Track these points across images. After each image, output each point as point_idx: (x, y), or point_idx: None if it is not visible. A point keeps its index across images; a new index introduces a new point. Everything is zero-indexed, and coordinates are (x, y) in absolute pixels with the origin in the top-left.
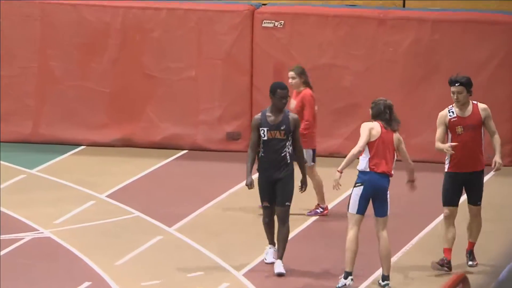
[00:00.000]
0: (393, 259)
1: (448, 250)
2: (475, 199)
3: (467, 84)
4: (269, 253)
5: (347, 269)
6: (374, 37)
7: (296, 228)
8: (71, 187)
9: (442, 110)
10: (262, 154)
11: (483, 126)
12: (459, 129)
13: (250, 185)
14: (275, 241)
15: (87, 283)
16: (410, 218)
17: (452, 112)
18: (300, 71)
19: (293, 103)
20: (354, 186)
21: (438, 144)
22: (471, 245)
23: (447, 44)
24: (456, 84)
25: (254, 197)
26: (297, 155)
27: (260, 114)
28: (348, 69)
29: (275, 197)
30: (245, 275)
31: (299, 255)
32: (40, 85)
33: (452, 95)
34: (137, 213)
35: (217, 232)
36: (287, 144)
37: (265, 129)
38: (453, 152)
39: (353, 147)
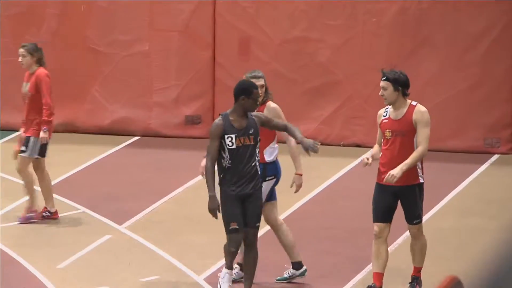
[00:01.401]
0: None
1: (378, 275)
2: (410, 217)
3: (394, 81)
4: (225, 279)
5: (299, 259)
6: (354, 5)
7: (261, 229)
8: (4, 179)
9: (433, 89)
10: (229, 165)
11: (417, 132)
12: (387, 133)
13: (216, 210)
14: (236, 265)
15: None
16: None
17: (386, 112)
18: (31, 48)
19: (25, 86)
20: (265, 180)
21: (373, 149)
22: (416, 270)
23: (438, 14)
24: (382, 78)
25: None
26: (290, 130)
27: (220, 118)
28: (324, 43)
29: (244, 217)
30: (206, 279)
31: (266, 258)
32: None
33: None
34: (82, 209)
35: (173, 230)
36: (256, 150)
37: (233, 136)
38: (367, 164)
39: (330, 132)
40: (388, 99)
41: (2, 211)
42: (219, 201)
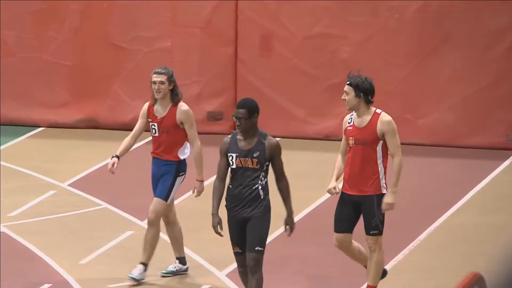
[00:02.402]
0: (399, 257)
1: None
2: (366, 227)
3: (356, 87)
4: None
5: (183, 255)
6: (376, 2)
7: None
8: (27, 175)
9: (455, 85)
10: (230, 186)
11: (387, 143)
12: (351, 141)
13: (217, 227)
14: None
15: (47, 285)
16: (417, 211)
17: (351, 119)
18: None
19: None
20: (178, 176)
21: (336, 164)
22: None
23: (459, 10)
24: (347, 83)
25: None
26: (281, 189)
27: (230, 136)
28: (346, 39)
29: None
30: (228, 275)
31: (287, 255)
32: None
33: None
34: (104, 204)
35: (195, 226)
36: (260, 176)
37: (234, 155)
38: (335, 193)
39: None
40: (349, 104)
41: (25, 207)
42: (221, 221)
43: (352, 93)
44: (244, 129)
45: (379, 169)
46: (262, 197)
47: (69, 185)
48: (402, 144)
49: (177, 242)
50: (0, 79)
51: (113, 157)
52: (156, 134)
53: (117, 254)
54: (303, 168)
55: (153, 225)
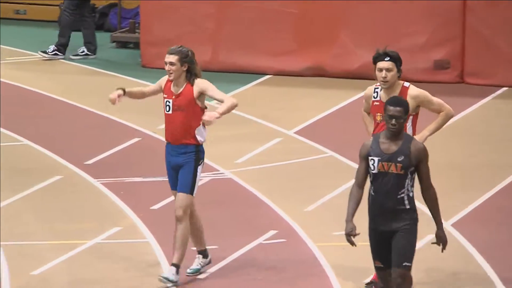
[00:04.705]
0: None
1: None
2: None
3: (399, 61)
4: None
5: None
6: None
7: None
8: (254, 122)
9: None
10: (372, 194)
11: (430, 109)
12: (378, 117)
13: (349, 235)
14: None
15: (272, 232)
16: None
17: (377, 93)
18: None
19: None
20: (198, 164)
21: (366, 126)
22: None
23: None
24: (386, 59)
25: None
26: (427, 198)
27: (372, 138)
28: None
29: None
30: (454, 225)
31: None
32: (219, 6)
33: (378, 73)
34: (330, 152)
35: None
36: (406, 182)
37: (376, 158)
38: None
39: None
40: (391, 81)
41: (252, 154)
42: (354, 229)
43: (395, 69)
44: (397, 130)
45: None
46: (408, 207)
47: (295, 132)
48: None
49: (198, 234)
50: (228, 28)
51: (118, 89)
52: (170, 112)
53: (342, 202)
54: None
55: (181, 221)
